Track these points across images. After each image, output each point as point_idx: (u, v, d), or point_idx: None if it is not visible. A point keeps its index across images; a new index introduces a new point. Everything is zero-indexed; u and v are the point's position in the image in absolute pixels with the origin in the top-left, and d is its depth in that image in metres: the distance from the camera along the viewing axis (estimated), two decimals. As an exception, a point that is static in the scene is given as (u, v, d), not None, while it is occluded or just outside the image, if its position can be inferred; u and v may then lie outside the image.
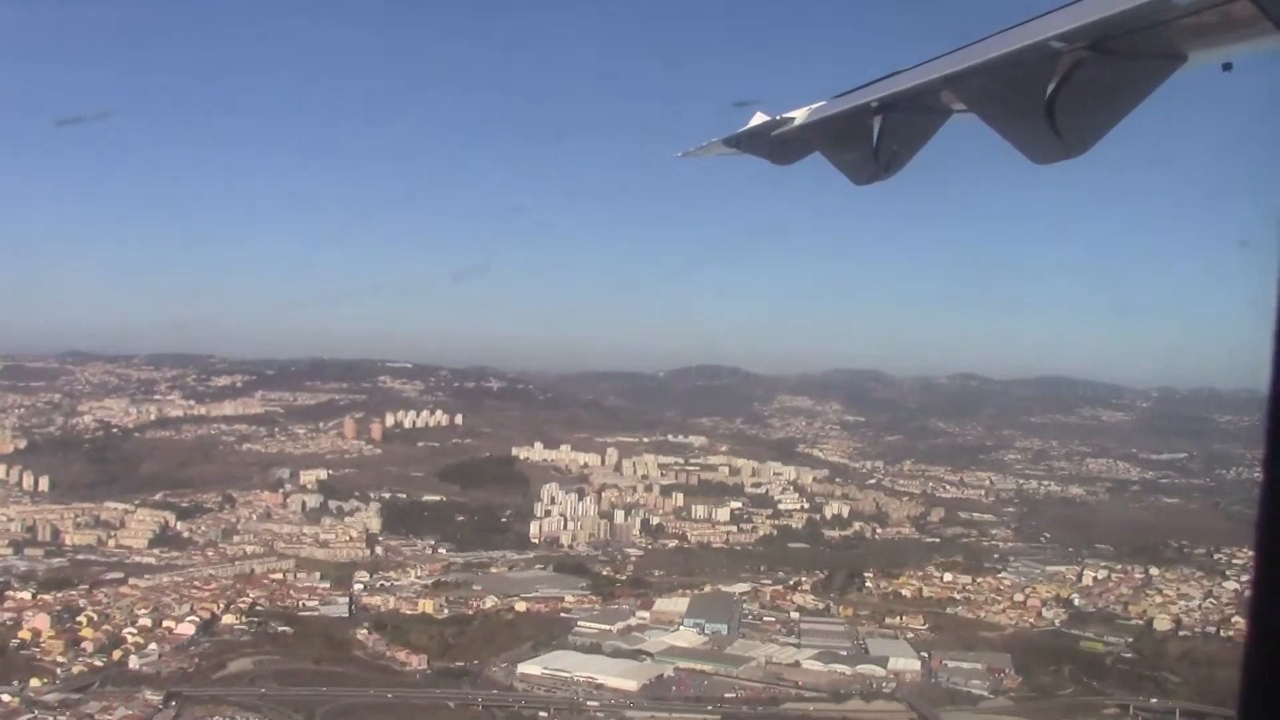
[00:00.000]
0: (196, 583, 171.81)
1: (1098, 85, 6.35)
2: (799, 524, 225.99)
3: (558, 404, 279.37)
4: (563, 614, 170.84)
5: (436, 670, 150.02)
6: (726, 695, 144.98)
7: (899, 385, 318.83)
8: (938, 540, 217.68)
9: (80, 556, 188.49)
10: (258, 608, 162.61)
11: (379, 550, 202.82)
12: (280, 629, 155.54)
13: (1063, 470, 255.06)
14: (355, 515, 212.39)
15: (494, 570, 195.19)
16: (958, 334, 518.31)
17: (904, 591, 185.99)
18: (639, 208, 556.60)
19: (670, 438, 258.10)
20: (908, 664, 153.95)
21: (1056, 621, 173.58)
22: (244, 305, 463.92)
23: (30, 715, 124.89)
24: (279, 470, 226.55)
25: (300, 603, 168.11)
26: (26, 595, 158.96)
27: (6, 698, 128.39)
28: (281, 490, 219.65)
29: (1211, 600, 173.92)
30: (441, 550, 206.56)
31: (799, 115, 9.53)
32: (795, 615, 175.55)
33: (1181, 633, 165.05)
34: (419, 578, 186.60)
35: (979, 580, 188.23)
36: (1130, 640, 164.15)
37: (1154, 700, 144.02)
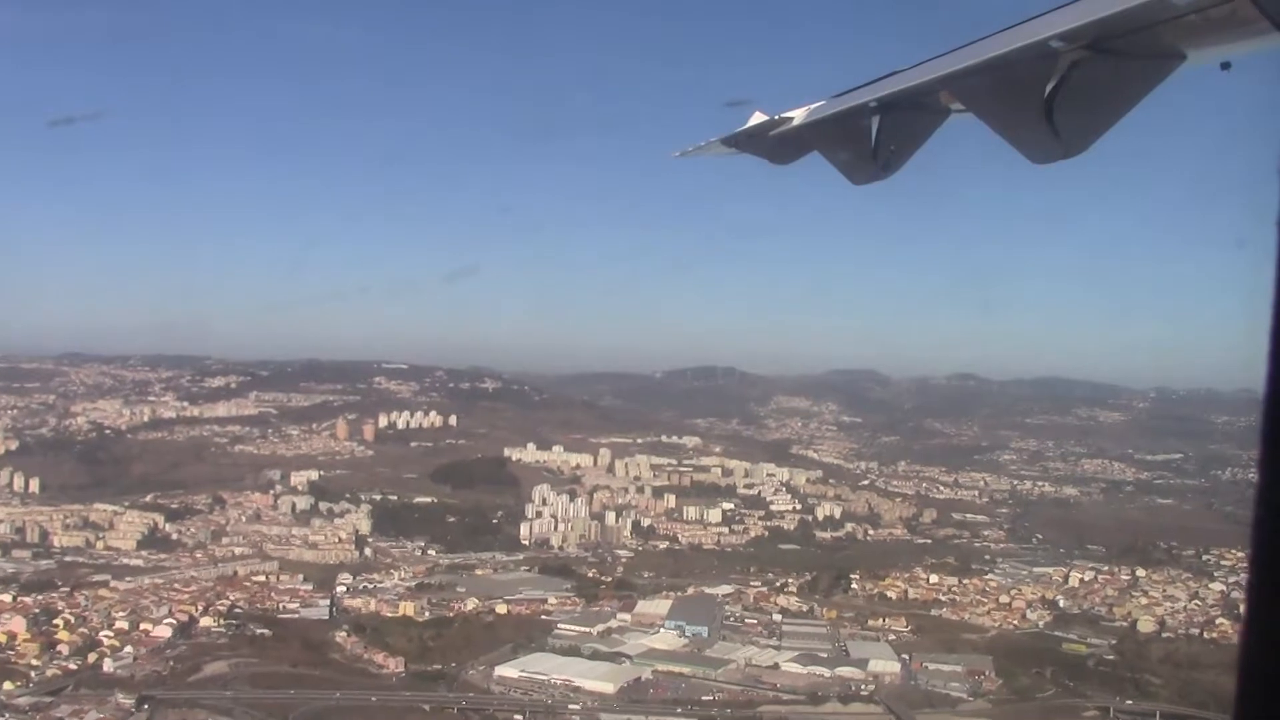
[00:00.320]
0: (176, 585, 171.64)
1: (1096, 85, 6.37)
2: (791, 525, 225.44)
3: (553, 405, 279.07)
4: (543, 616, 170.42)
5: (413, 673, 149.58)
6: (704, 698, 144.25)
7: (896, 386, 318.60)
8: (929, 542, 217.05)
9: (68, 558, 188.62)
10: (237, 610, 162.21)
11: (368, 552, 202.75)
12: (258, 631, 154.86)
13: (1058, 471, 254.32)
14: (345, 517, 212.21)
15: (479, 572, 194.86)
16: (956, 334, 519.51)
17: (889, 593, 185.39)
18: (638, 208, 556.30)
19: (664, 439, 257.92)
20: (887, 666, 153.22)
21: (1040, 623, 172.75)
22: (241, 306, 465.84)
23: (1, 718, 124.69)
24: (270, 472, 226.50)
25: (281, 605, 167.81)
26: (7, 598, 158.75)
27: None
28: (272, 492, 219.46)
29: (1197, 602, 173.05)
30: (431, 552, 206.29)
31: (797, 115, 9.51)
32: (778, 617, 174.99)
33: (1165, 634, 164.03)
34: (402, 580, 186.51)
35: (965, 582, 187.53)
36: (1113, 642, 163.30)
37: (1128, 702, 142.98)
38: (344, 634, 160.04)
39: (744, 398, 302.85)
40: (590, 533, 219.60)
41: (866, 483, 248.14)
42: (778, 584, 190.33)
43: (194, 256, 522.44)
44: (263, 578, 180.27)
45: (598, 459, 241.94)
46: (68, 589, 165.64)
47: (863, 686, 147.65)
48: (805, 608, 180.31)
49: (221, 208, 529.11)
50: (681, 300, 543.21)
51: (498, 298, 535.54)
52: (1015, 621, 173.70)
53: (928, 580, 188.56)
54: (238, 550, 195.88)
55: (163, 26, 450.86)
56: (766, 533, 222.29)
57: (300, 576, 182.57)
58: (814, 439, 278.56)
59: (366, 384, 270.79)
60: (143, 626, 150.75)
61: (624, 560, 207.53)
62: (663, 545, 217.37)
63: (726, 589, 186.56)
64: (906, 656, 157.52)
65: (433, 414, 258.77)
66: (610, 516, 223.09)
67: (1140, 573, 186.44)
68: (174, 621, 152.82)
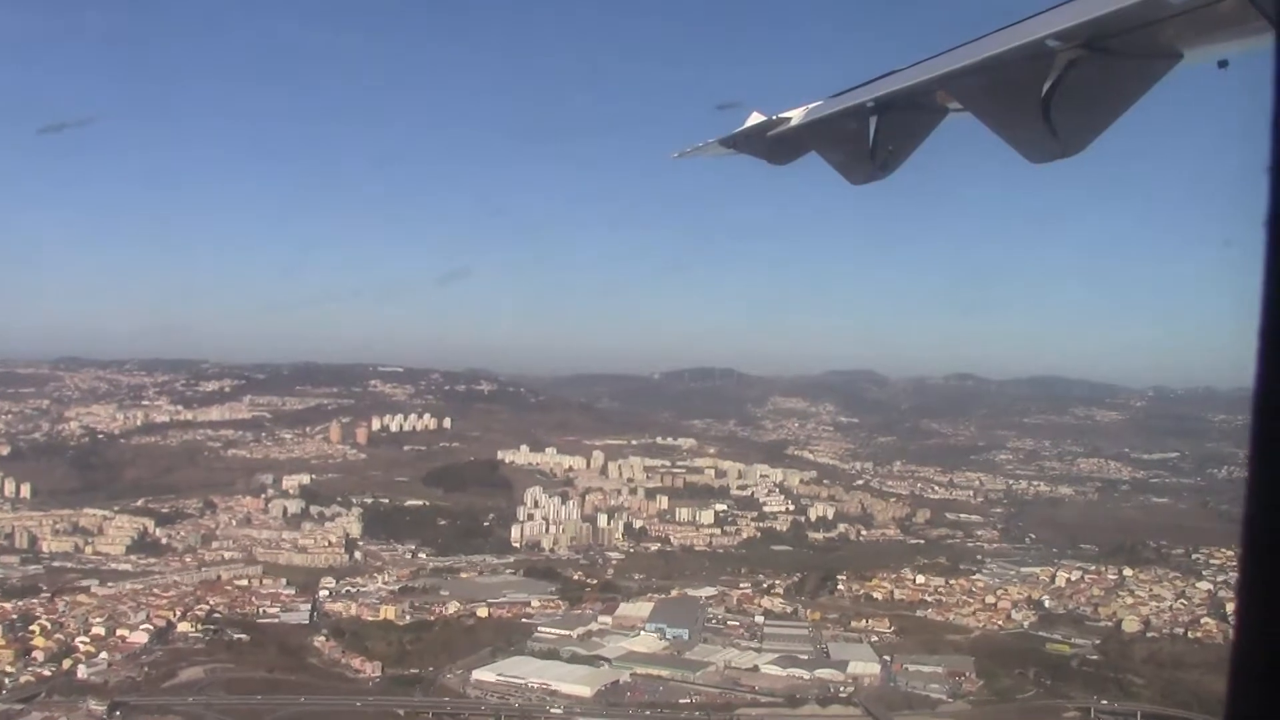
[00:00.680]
0: (156, 590, 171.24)
1: (1093, 84, 6.37)
2: (783, 526, 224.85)
3: (548, 407, 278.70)
4: (524, 619, 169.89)
5: (390, 677, 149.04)
6: (681, 700, 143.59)
7: (894, 386, 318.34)
8: (922, 542, 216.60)
9: (56, 564, 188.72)
10: (215, 615, 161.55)
11: (358, 555, 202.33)
12: (236, 636, 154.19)
13: (1053, 470, 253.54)
14: (336, 520, 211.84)
15: (464, 575, 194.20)
16: (954, 334, 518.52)
17: (875, 594, 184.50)
18: (636, 209, 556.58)
19: (659, 440, 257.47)
20: (867, 668, 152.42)
21: (1025, 623, 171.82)
22: (238, 310, 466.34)
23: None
24: (262, 475, 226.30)
25: (261, 609, 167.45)
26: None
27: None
28: (263, 496, 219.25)
29: (1183, 601, 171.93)
30: (421, 555, 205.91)
31: (795, 115, 9.53)
32: (760, 619, 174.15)
33: (1149, 634, 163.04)
34: (385, 583, 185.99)
35: (952, 582, 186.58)
36: (1097, 642, 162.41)
37: (1102, 702, 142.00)
38: (323, 638, 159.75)
39: (741, 399, 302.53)
40: (582, 535, 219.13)
41: (861, 483, 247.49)
42: (764, 586, 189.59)
43: (191, 260, 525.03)
44: (245, 582, 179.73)
45: (591, 461, 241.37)
46: (49, 595, 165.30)
47: (842, 688, 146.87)
48: (790, 609, 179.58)
49: (219, 211, 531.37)
50: (679, 301, 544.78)
51: (496, 300, 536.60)
52: (1000, 622, 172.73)
53: (914, 581, 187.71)
54: (227, 555, 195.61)
55: (156, 30, 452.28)
56: (759, 534, 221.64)
57: (284, 580, 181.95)
58: (810, 439, 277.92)
59: (362, 387, 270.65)
60: (119, 632, 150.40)
61: (614, 562, 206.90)
62: (654, 547, 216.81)
63: (709, 591, 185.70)
64: (888, 658, 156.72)
65: (427, 417, 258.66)
66: (602, 518, 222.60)
67: (1128, 572, 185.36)
68: (150, 627, 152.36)
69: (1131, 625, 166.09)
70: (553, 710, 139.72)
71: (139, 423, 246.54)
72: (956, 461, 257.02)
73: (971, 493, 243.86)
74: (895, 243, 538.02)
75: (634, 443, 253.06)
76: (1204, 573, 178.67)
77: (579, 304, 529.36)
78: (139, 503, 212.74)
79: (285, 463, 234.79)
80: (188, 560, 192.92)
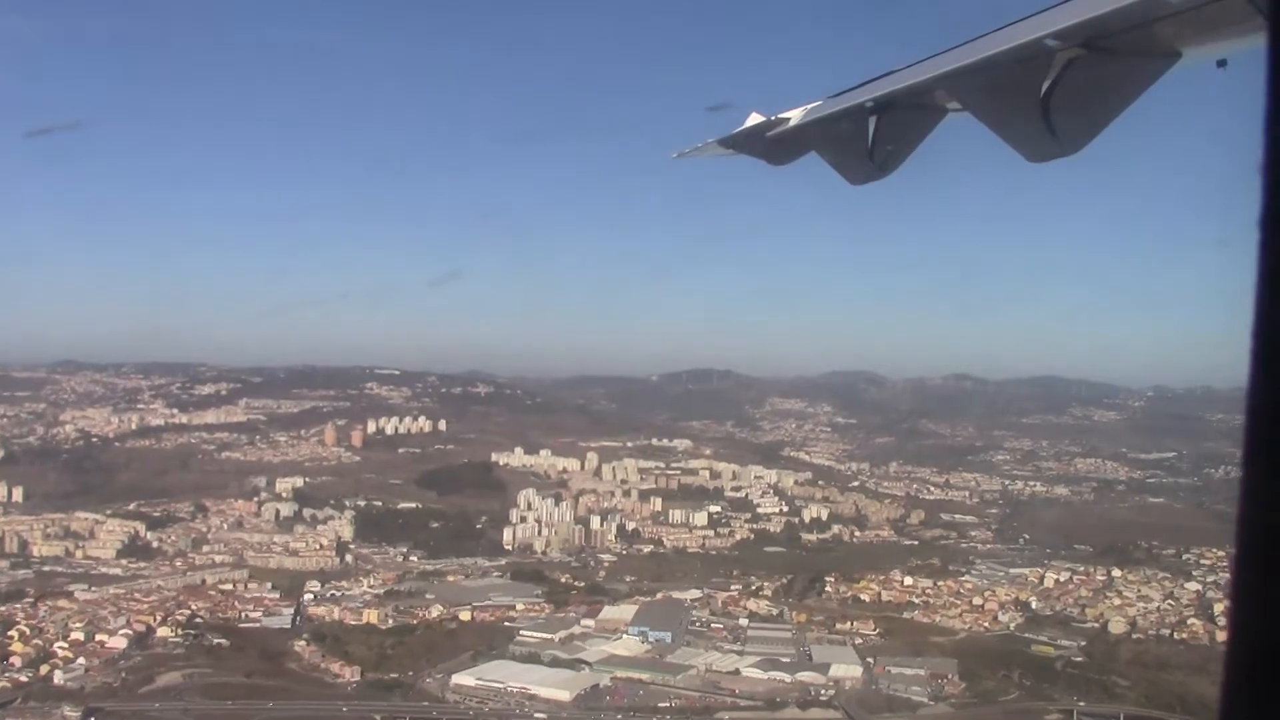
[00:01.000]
0: (138, 595, 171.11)
1: (1092, 83, 6.37)
2: (777, 528, 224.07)
3: (545, 409, 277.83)
4: (507, 623, 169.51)
5: (369, 682, 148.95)
6: (660, 704, 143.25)
7: (892, 387, 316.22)
8: (915, 543, 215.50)
9: (46, 568, 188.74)
10: (197, 620, 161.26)
11: (349, 558, 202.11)
12: (216, 641, 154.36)
13: (1050, 470, 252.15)
14: (329, 523, 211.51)
15: (450, 578, 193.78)
16: (953, 334, 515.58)
17: (863, 596, 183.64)
18: (634, 210, 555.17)
19: (654, 441, 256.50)
20: (849, 670, 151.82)
21: (1011, 625, 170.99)
22: (235, 313, 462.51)
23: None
24: (255, 479, 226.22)
25: (243, 614, 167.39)
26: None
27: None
28: (256, 499, 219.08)
29: (1170, 602, 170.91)
30: (413, 558, 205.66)
31: (794, 115, 9.58)
32: (744, 622, 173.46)
33: (1135, 635, 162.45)
34: (371, 586, 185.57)
35: (940, 584, 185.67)
36: (1083, 644, 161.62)
37: (1081, 704, 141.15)
38: (304, 643, 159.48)
39: (739, 400, 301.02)
40: (574, 537, 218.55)
41: (856, 484, 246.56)
42: (753, 588, 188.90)
43: (189, 262, 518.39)
44: (230, 586, 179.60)
45: (584, 463, 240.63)
46: (32, 600, 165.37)
47: (823, 691, 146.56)
48: (775, 612, 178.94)
49: (216, 214, 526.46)
50: (677, 302, 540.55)
51: (494, 302, 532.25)
52: (986, 624, 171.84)
53: (902, 582, 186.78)
54: (217, 558, 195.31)
55: (151, 33, 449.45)
56: (752, 535, 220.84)
57: (268, 584, 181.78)
58: (807, 441, 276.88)
59: (358, 390, 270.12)
60: (98, 637, 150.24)
61: (606, 565, 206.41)
62: (647, 549, 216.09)
63: (694, 593, 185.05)
64: (870, 660, 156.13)
65: (422, 419, 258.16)
66: (595, 520, 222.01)
67: (1116, 573, 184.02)
68: (130, 632, 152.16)
69: (1118, 626, 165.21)
70: (532, 715, 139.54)
71: (134, 426, 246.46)
72: (953, 462, 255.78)
73: (967, 493, 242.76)
74: (895, 243, 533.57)
75: (629, 444, 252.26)
76: (1194, 573, 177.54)
77: (578, 306, 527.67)
78: (131, 506, 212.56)
79: (279, 466, 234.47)
80: (177, 564, 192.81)
